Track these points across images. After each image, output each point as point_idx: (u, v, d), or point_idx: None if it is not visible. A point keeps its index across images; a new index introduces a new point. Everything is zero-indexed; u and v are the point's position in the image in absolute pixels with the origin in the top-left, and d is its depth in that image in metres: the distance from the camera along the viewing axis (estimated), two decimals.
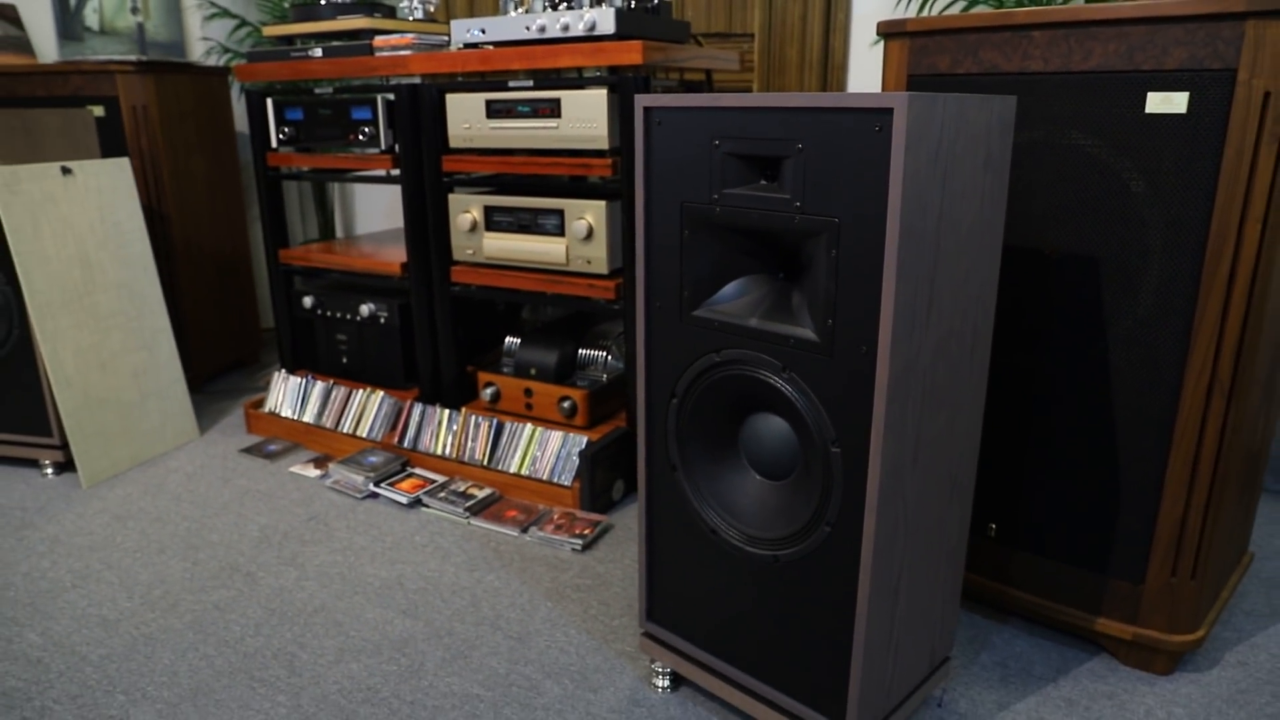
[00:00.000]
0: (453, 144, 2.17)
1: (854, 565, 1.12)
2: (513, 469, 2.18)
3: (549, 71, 2.28)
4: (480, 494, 2.13)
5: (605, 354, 2.31)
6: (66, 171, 2.21)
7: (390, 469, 2.25)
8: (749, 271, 1.20)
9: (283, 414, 2.57)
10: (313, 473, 2.32)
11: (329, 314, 2.55)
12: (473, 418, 2.26)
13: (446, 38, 2.29)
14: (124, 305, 2.35)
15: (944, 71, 1.47)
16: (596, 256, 2.03)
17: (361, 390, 2.47)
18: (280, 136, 2.46)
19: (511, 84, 2.04)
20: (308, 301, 2.57)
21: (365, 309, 2.45)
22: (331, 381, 2.54)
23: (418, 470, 2.29)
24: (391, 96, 2.22)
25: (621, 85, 1.91)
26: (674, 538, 1.35)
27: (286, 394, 2.59)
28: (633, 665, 1.53)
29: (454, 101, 2.13)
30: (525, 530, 2.00)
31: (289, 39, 2.44)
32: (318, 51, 2.32)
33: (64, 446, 2.27)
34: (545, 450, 2.15)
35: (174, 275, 2.77)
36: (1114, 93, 1.30)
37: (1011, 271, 1.47)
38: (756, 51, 2.62)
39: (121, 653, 1.58)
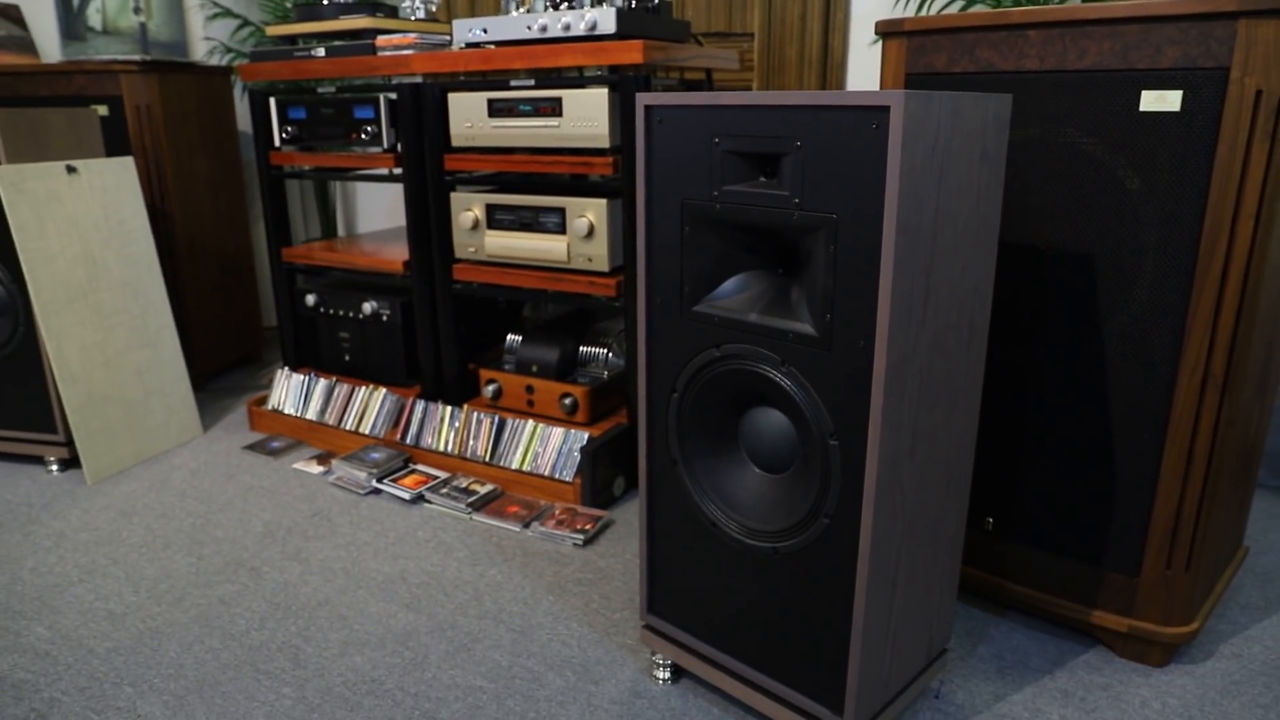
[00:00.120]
0: (455, 143, 2.18)
1: (852, 557, 1.13)
2: (514, 465, 2.19)
3: (550, 71, 2.29)
4: (482, 490, 2.15)
5: (606, 351, 2.32)
6: (71, 170, 2.23)
7: (393, 465, 2.27)
8: (748, 267, 1.21)
9: (286, 411, 2.59)
10: (316, 469, 2.34)
11: (331, 312, 2.57)
12: (475, 414, 2.28)
13: (448, 37, 2.31)
14: (128, 303, 2.36)
15: (941, 70, 1.49)
16: (597, 254, 2.05)
17: (364, 387, 2.49)
18: (283, 136, 2.47)
19: (513, 83, 2.06)
20: (310, 299, 2.58)
21: (368, 307, 2.47)
22: (334, 379, 2.56)
23: (420, 467, 2.30)
24: (394, 96, 2.24)
25: (622, 84, 1.93)
26: (674, 531, 1.37)
27: (289, 391, 2.61)
28: (634, 657, 1.55)
29: (456, 100, 2.14)
30: (527, 525, 2.01)
31: (292, 39, 2.45)
32: (320, 51, 2.33)
33: (69, 443, 2.29)
34: (547, 446, 2.17)
35: (177, 273, 2.78)
36: (1109, 91, 1.31)
37: (1008, 268, 1.48)
38: (756, 51, 2.64)
39: (128, 646, 1.60)
